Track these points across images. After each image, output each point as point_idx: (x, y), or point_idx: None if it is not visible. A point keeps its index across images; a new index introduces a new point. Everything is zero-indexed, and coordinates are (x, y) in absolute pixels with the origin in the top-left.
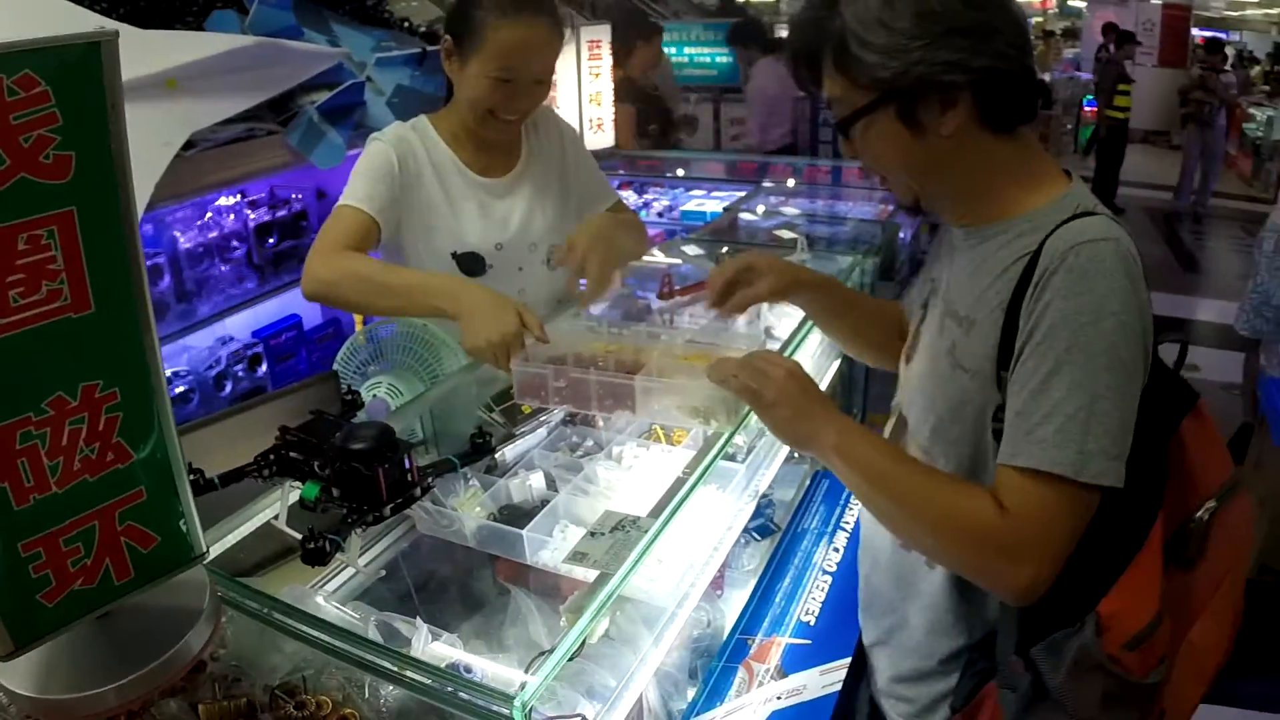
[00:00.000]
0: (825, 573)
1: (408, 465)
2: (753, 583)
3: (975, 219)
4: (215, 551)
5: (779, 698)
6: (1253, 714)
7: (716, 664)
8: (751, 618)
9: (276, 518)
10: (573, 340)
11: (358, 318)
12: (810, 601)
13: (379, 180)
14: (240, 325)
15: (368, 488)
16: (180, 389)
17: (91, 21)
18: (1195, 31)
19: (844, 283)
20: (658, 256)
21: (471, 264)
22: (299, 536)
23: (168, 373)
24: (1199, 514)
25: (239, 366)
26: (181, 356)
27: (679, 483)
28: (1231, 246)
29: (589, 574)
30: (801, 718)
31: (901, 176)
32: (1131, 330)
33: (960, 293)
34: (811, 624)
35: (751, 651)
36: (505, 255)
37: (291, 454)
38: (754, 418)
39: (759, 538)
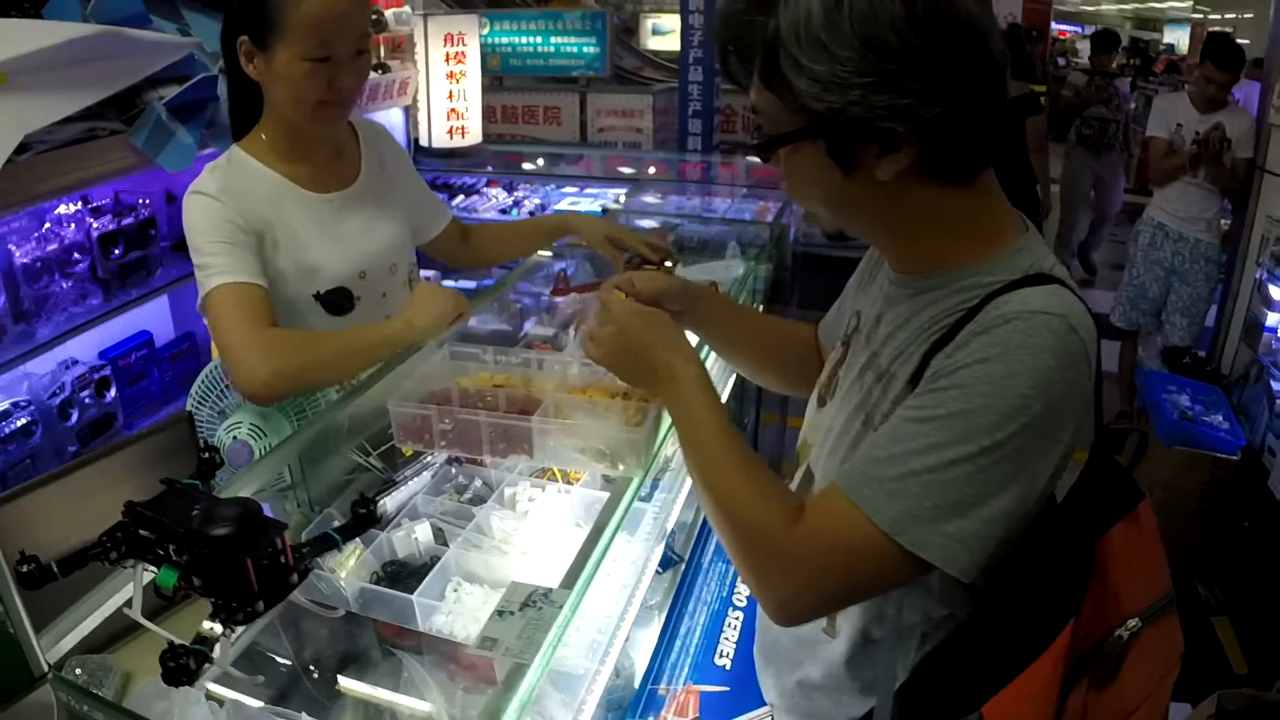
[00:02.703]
0: (736, 608)
1: (280, 548)
2: (658, 620)
3: (910, 266)
4: (64, 645)
5: None
6: None
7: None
8: (662, 664)
9: (129, 604)
10: (452, 371)
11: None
12: (724, 643)
13: (232, 243)
14: (85, 346)
15: (234, 578)
16: (21, 421)
17: None
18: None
19: (736, 294)
20: (547, 254)
21: (339, 301)
22: (158, 632)
23: (5, 404)
24: (1118, 632)
25: (86, 393)
26: (21, 385)
27: (589, 545)
28: (1106, 237)
29: (475, 635)
30: None
31: (825, 211)
32: (1036, 420)
33: (885, 344)
34: (728, 668)
35: (667, 703)
36: (370, 284)
37: (142, 532)
38: (660, 454)
39: (661, 570)
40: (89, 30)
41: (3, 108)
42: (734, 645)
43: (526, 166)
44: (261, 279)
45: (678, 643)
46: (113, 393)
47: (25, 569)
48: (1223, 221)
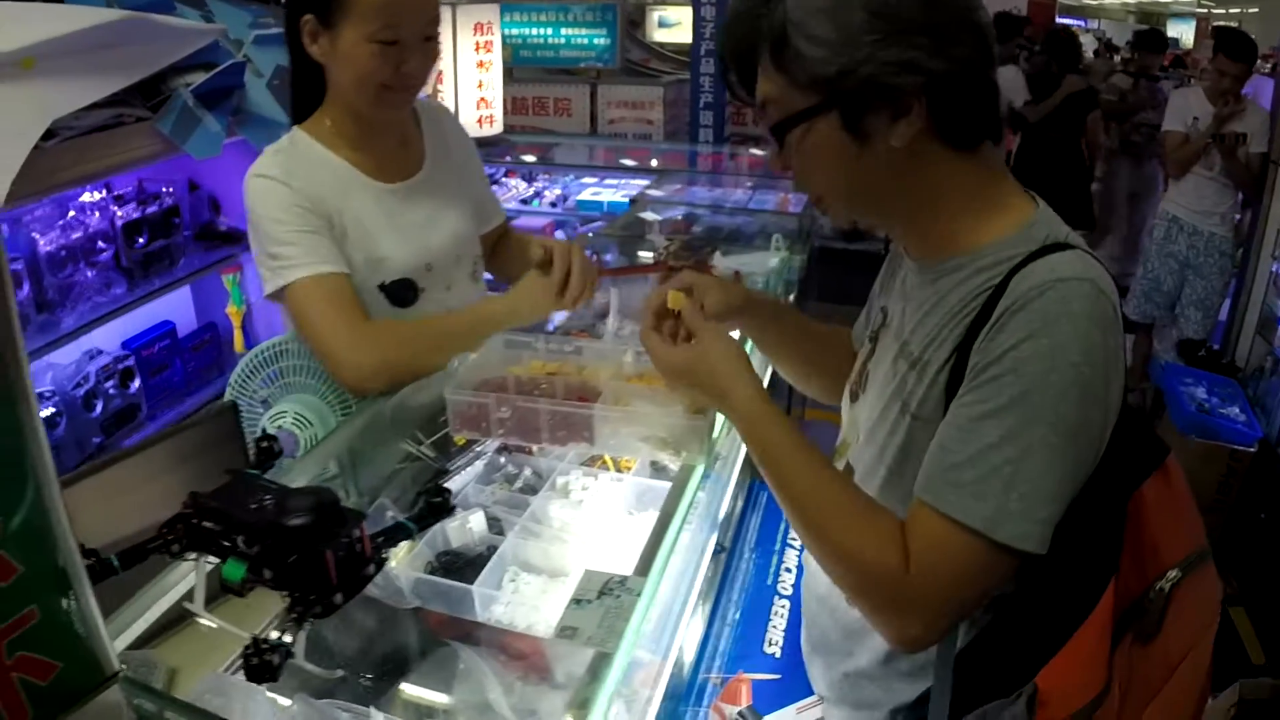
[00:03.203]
0: (782, 596)
1: (357, 538)
2: (704, 609)
3: (930, 252)
4: (120, 643)
5: None
6: None
7: (685, 708)
8: (713, 652)
9: (189, 598)
10: (504, 359)
11: (237, 329)
12: (772, 631)
13: (308, 230)
14: (109, 336)
15: (310, 571)
16: (45, 412)
17: None
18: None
19: (772, 285)
20: None
21: (403, 293)
22: (226, 627)
23: None
24: (1159, 585)
25: (110, 383)
26: (45, 376)
27: (659, 532)
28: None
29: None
30: None
31: (840, 196)
32: (1089, 386)
33: (914, 331)
34: (777, 656)
35: (720, 693)
36: (435, 276)
37: (204, 523)
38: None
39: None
40: (115, 15)
41: (28, 93)
42: (782, 634)
43: (556, 158)
44: (344, 265)
45: (726, 631)
46: (137, 383)
47: (86, 563)
48: (1236, 216)
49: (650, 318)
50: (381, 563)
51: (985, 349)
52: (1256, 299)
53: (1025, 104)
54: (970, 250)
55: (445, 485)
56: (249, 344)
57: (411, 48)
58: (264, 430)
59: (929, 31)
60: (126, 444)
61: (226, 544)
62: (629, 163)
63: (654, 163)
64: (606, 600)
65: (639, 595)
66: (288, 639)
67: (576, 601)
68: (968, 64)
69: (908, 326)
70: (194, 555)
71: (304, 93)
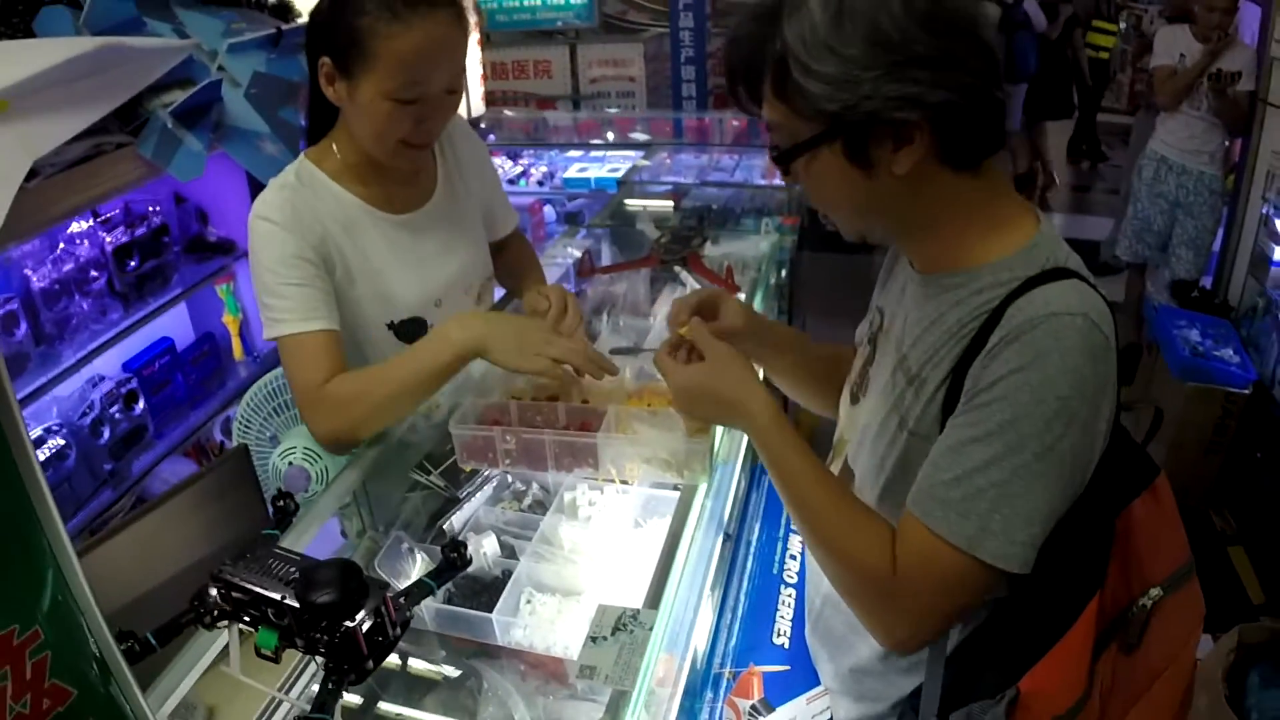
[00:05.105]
0: (788, 585)
1: (383, 607)
2: (713, 597)
3: (932, 265)
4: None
5: None
6: None
7: (700, 704)
8: (725, 646)
9: (226, 663)
10: (504, 378)
11: (234, 336)
12: (780, 621)
13: (301, 284)
14: (109, 361)
15: (341, 644)
16: (56, 443)
17: None
18: None
19: (765, 270)
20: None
21: (412, 332)
22: (260, 688)
23: (38, 430)
24: (1142, 600)
25: (114, 408)
26: (50, 410)
27: (665, 561)
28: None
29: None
30: None
31: (845, 216)
32: (1076, 416)
33: (913, 347)
34: (786, 646)
35: (733, 687)
36: (445, 309)
37: (234, 594)
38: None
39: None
40: (88, 45)
41: (8, 136)
42: (789, 623)
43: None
44: (331, 320)
45: (736, 623)
46: (141, 404)
47: (124, 647)
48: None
49: (665, 345)
50: (406, 623)
51: (979, 375)
52: (1248, 240)
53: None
54: (970, 268)
55: (462, 540)
56: (247, 350)
57: (434, 102)
58: (270, 467)
59: (931, 63)
60: (137, 466)
61: (255, 613)
62: (612, 137)
63: (639, 135)
64: (621, 636)
65: (651, 629)
66: (327, 713)
67: (593, 639)
68: (971, 90)
69: (907, 340)
70: (226, 623)
71: (321, 119)
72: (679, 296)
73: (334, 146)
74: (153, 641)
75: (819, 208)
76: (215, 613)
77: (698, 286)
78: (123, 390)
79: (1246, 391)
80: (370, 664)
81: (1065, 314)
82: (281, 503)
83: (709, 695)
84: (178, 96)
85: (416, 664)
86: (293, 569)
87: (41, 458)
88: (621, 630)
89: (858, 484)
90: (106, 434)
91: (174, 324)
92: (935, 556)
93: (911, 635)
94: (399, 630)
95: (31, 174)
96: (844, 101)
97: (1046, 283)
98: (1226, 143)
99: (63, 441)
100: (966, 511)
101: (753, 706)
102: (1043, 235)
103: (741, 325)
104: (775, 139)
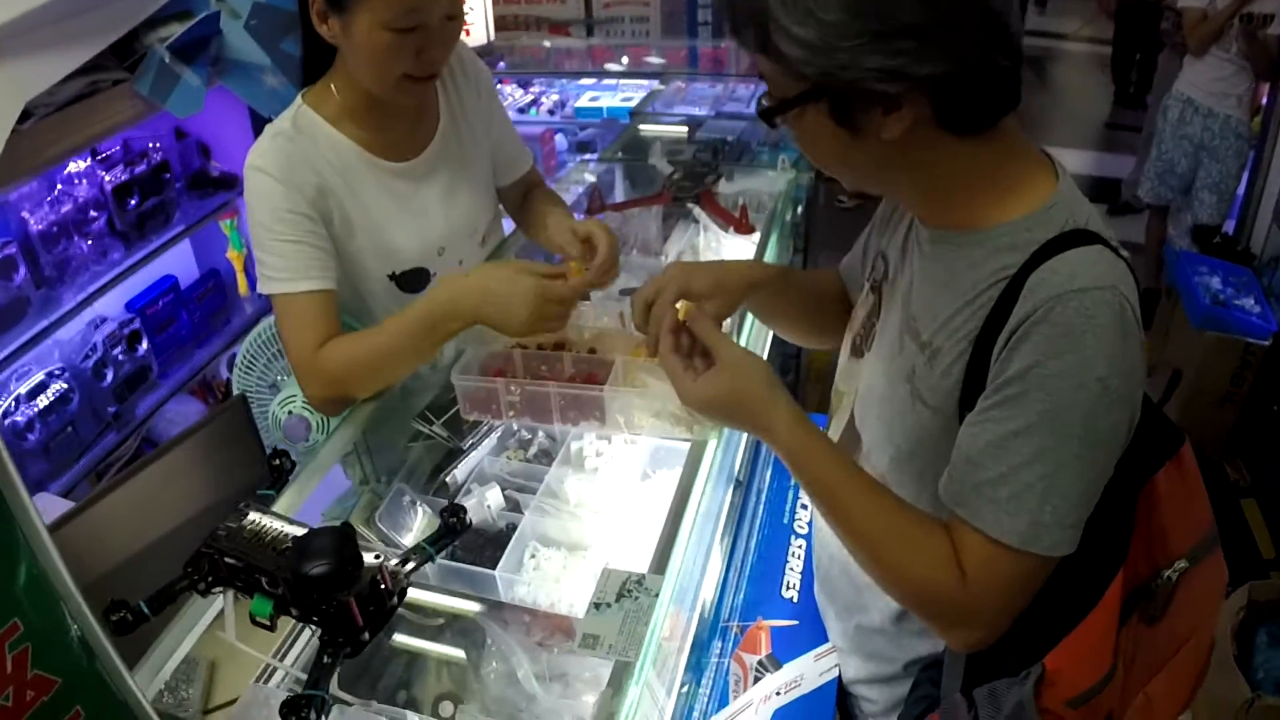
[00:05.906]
0: (798, 535)
1: (380, 577)
2: (723, 545)
3: (941, 223)
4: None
5: (778, 693)
6: None
7: (707, 659)
8: (733, 599)
9: (221, 629)
10: None
11: (239, 272)
12: (789, 573)
13: (295, 240)
14: (112, 302)
15: (336, 616)
16: (59, 387)
17: None
18: None
19: (781, 209)
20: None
21: (415, 282)
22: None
23: (40, 375)
24: (1167, 573)
25: (117, 349)
26: (52, 354)
27: (674, 515)
28: (1097, 86)
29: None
30: (806, 714)
31: (840, 175)
32: (1115, 396)
33: (923, 307)
34: (795, 600)
35: (741, 641)
36: (448, 258)
37: (228, 560)
38: None
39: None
40: None
41: None
42: (799, 576)
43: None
44: (325, 279)
45: (744, 575)
46: (144, 344)
47: (117, 616)
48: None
49: (669, 338)
50: (404, 592)
51: (1008, 358)
52: (1273, 187)
53: None
54: (984, 227)
55: (460, 505)
56: (253, 285)
57: (434, 31)
58: (270, 415)
59: (919, 33)
60: (142, 407)
61: (251, 579)
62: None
63: (654, 60)
64: (626, 603)
65: (657, 595)
66: (322, 689)
67: (596, 605)
68: (968, 59)
69: (915, 299)
70: (220, 589)
71: (316, 58)
72: (636, 292)
73: (332, 87)
74: (145, 610)
75: (814, 164)
76: (210, 579)
77: (710, 226)
78: (126, 331)
79: (1266, 343)
80: (366, 635)
81: (1094, 288)
82: (277, 461)
83: (716, 647)
84: (175, 30)
85: (417, 617)
86: (286, 538)
87: (44, 403)
88: (626, 596)
89: (865, 449)
90: (110, 376)
91: (177, 262)
92: (995, 559)
93: (986, 637)
94: (396, 600)
95: (25, 115)
96: (821, 67)
97: (1067, 247)
98: (1254, 86)
99: (65, 385)
100: (1017, 509)
101: (760, 662)
102: (1060, 195)
103: (727, 311)
104: (768, 91)
